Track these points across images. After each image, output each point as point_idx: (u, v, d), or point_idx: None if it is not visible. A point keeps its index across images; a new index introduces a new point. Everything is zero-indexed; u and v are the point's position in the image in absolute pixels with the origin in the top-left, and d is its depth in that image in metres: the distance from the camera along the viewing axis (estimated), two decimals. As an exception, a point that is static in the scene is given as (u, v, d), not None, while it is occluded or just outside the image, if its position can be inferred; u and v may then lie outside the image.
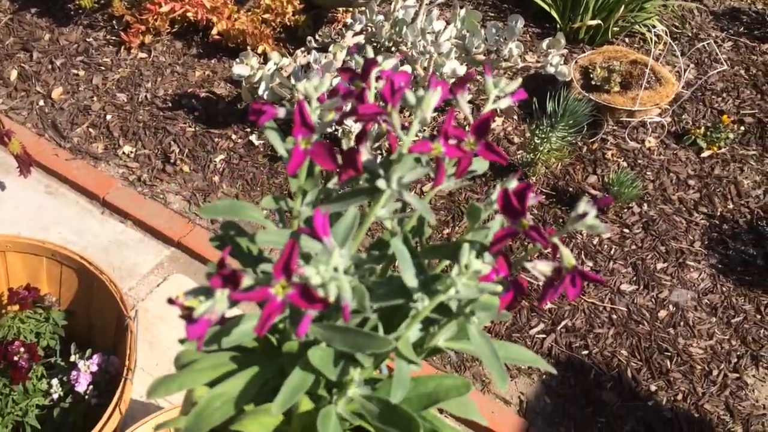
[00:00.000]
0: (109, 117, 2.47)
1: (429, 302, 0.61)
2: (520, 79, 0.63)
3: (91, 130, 2.44)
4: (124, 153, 2.37)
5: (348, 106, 0.58)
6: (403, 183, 0.58)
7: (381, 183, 0.58)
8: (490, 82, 0.63)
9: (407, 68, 2.21)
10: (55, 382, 1.54)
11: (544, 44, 2.30)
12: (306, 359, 0.64)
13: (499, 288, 0.57)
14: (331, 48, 2.14)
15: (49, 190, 2.30)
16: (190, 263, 2.16)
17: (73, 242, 2.16)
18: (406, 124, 0.58)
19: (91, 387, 1.52)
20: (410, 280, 0.61)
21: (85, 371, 1.51)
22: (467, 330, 0.65)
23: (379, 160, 0.62)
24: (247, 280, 0.52)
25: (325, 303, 0.50)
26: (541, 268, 0.61)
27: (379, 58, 0.59)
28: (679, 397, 1.94)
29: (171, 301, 0.53)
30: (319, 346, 0.65)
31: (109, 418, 1.37)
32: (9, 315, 1.67)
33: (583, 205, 0.60)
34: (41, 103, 2.51)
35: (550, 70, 2.26)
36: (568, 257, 0.60)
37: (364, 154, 0.58)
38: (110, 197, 2.26)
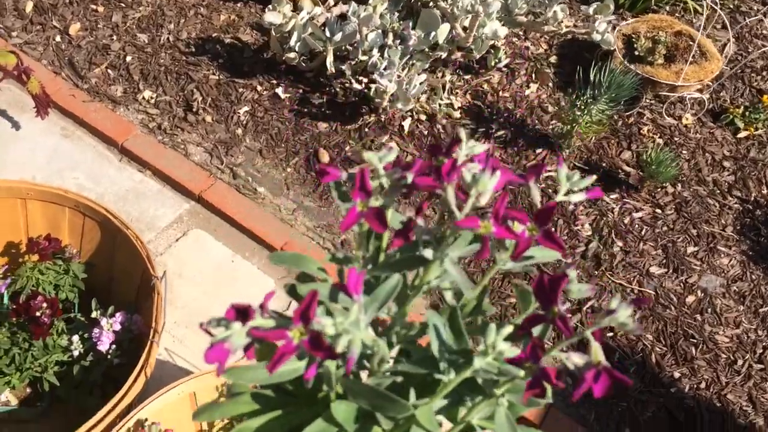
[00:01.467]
0: (129, 58, 2.36)
1: (455, 376, 0.61)
2: (594, 176, 0.61)
3: (109, 71, 2.33)
4: (144, 98, 2.28)
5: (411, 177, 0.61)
6: (451, 257, 0.59)
7: (427, 253, 0.59)
8: (563, 174, 0.62)
9: (446, 26, 2.10)
10: (75, 338, 1.49)
11: (591, 9, 2.19)
12: (330, 412, 0.64)
13: (521, 373, 0.57)
14: (370, 0, 2.03)
15: (65, 133, 2.22)
16: (210, 219, 2.09)
17: (90, 189, 2.09)
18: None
19: (113, 346, 1.48)
20: (435, 350, 0.61)
21: (107, 330, 1.47)
22: (495, 410, 0.64)
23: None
24: (264, 320, 0.54)
25: (331, 353, 0.51)
26: (575, 360, 0.58)
27: (471, 142, 0.58)
28: (702, 385, 1.92)
29: (201, 326, 0.55)
30: (345, 400, 0.66)
31: (134, 382, 1.33)
32: (27, 265, 1.61)
33: (616, 302, 0.58)
34: (58, 38, 2.39)
35: (596, 37, 2.16)
36: (596, 353, 0.57)
37: (419, 224, 0.59)
38: (129, 144, 2.18)
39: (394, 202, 0.59)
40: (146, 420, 1.30)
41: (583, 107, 2.08)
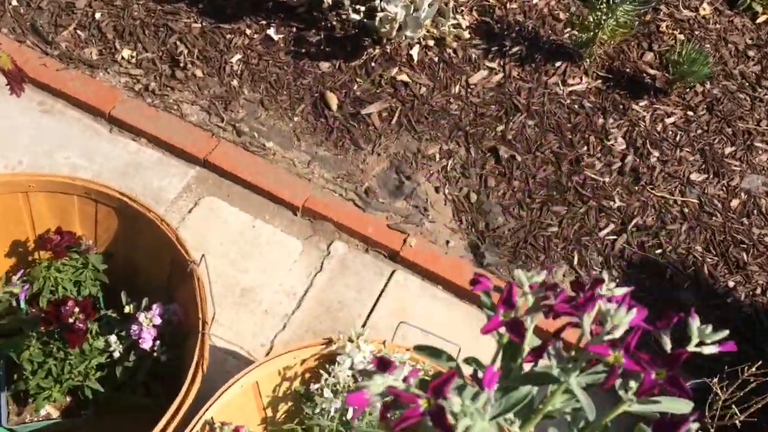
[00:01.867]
0: (98, 15, 2.12)
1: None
2: (726, 331, 0.62)
3: (79, 32, 2.10)
4: (123, 58, 2.06)
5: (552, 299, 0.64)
6: (578, 381, 0.63)
7: (557, 372, 0.62)
8: (694, 327, 0.63)
9: None
10: (113, 339, 1.36)
11: None
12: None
13: None
14: None
15: (44, 108, 2.00)
16: (221, 183, 1.93)
17: (85, 168, 1.90)
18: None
19: (157, 342, 1.35)
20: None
21: (147, 325, 1.33)
22: None
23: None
24: (396, 382, 0.58)
25: (450, 430, 0.55)
26: None
27: (611, 284, 0.63)
28: (758, 291, 1.86)
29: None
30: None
31: (192, 381, 1.21)
32: (42, 264, 1.46)
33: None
34: (14, 2, 2.13)
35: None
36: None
37: (556, 345, 0.63)
38: (117, 112, 1.98)
39: (533, 319, 0.64)
40: (212, 421, 1.19)
41: (606, 9, 1.91)
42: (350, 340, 1.28)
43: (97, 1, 2.14)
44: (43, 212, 1.45)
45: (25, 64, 2.00)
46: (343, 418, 1.22)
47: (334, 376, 1.23)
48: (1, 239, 1.46)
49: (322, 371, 1.28)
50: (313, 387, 1.26)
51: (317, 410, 1.22)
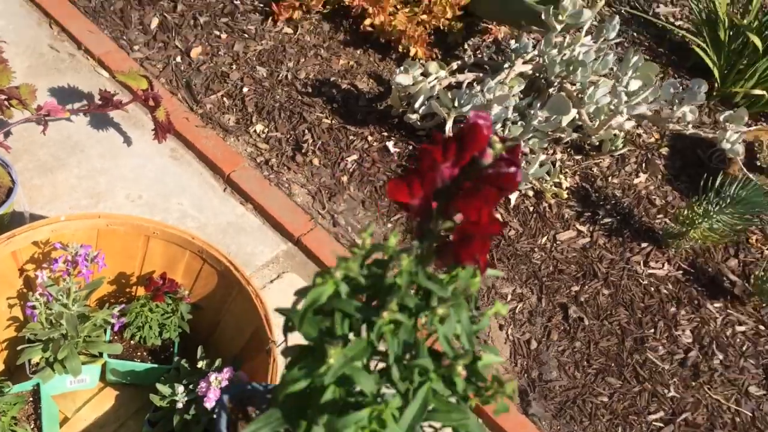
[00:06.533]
0: (245, 90, 2.36)
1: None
2: None
3: (225, 99, 2.34)
4: (255, 131, 2.28)
5: None
6: None
7: None
8: None
9: (574, 111, 2.05)
10: (180, 389, 1.47)
11: (722, 117, 2.13)
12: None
13: None
14: (507, 80, 2.00)
15: (174, 155, 2.22)
16: (306, 264, 2.07)
17: (193, 217, 2.09)
18: None
19: (217, 404, 1.45)
20: None
21: (215, 386, 1.44)
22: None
23: None
24: None
25: None
26: None
27: None
28: None
29: None
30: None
31: (243, 452, 1.29)
32: (138, 301, 1.60)
33: None
34: (178, 59, 2.41)
35: (725, 146, 2.10)
36: None
37: None
38: (235, 176, 2.17)
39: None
40: None
41: (702, 213, 2.01)
42: None
43: (249, 77, 2.40)
44: (155, 256, 1.60)
45: (171, 113, 2.24)
46: None
47: None
48: (112, 267, 1.62)
49: None
50: None
51: None
